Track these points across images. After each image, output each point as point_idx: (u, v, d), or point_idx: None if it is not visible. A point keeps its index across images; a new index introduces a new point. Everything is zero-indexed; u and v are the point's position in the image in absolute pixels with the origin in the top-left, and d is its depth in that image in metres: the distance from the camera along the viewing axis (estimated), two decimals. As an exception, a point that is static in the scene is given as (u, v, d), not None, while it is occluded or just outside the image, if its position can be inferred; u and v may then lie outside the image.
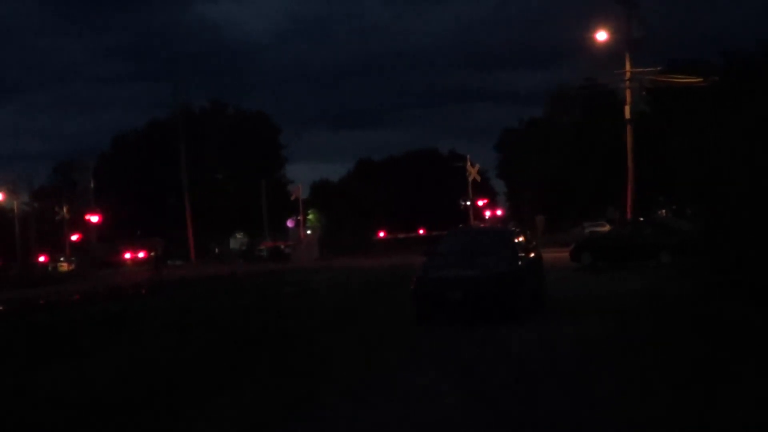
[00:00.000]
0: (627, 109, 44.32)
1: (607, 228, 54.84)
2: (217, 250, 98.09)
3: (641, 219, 44.86)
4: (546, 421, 8.27)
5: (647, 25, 45.59)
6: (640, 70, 44.23)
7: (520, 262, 17.13)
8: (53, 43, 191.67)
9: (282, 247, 78.20)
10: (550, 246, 46.42)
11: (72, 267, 75.97)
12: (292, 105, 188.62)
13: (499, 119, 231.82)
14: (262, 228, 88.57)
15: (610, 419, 8.19)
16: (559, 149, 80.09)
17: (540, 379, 10.32)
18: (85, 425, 8.90)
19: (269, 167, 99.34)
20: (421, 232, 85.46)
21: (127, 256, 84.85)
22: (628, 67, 43.80)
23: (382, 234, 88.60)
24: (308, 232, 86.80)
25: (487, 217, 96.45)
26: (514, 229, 21.58)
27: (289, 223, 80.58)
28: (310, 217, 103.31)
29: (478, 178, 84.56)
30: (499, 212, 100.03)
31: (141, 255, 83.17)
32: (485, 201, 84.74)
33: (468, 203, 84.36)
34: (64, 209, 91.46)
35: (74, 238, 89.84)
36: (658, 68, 46.13)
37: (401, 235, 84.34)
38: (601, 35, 44.54)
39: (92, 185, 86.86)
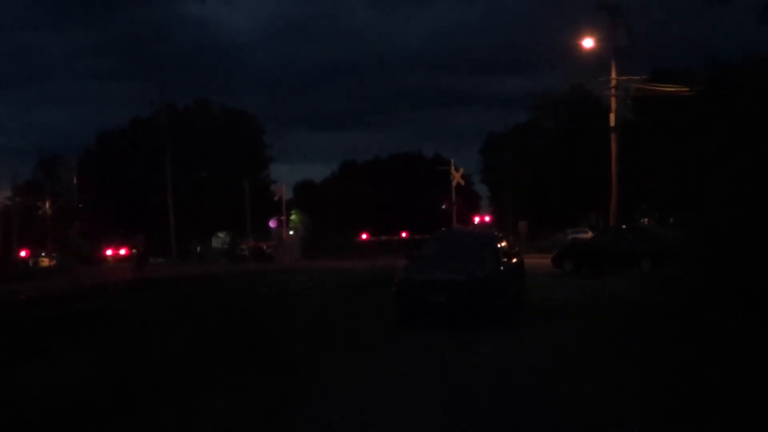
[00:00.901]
0: (612, 117, 44.41)
1: (589, 234, 55.09)
2: (199, 249, 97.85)
3: (623, 226, 45.04)
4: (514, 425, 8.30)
5: (633, 33, 45.75)
6: (626, 78, 44.36)
7: (502, 267, 17.19)
8: (38, 39, 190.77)
9: (264, 247, 78.08)
10: (532, 251, 46.52)
11: (53, 262, 75.59)
12: (276, 105, 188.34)
13: (484, 124, 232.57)
14: (245, 228, 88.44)
15: (583, 424, 8.22)
16: (543, 155, 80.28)
17: (515, 384, 10.33)
18: (59, 426, 8.83)
19: (253, 167, 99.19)
20: (403, 235, 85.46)
21: (109, 252, 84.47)
22: (613, 74, 43.94)
23: (364, 236, 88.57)
24: (291, 232, 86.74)
25: (476, 223, 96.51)
26: (496, 233, 21.63)
27: (272, 224, 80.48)
28: (293, 217, 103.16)
29: (462, 182, 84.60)
30: (487, 218, 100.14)
31: (123, 252, 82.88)
32: (459, 206, 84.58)
33: (453, 207, 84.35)
34: (47, 204, 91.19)
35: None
36: (644, 77, 46.30)
37: (384, 238, 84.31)
38: (588, 42, 44.67)
39: (75, 181, 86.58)
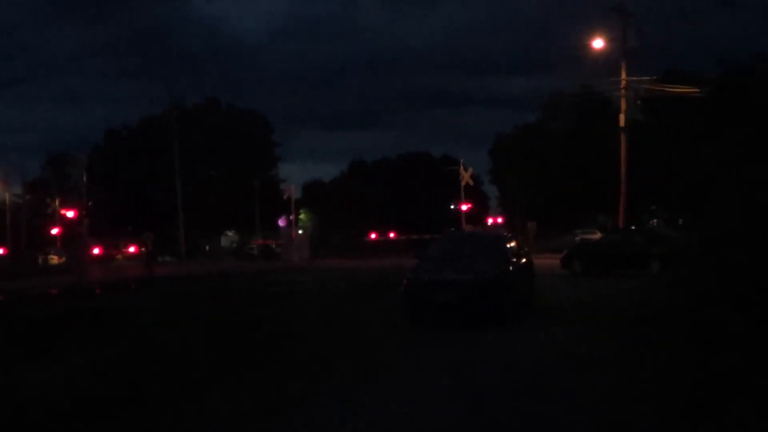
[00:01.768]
0: (622, 118, 44.32)
1: (598, 235, 54.91)
2: (207, 248, 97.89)
3: (633, 227, 44.92)
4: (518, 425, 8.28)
5: (643, 34, 45.65)
6: (636, 78, 44.27)
7: (510, 267, 17.16)
8: (48, 37, 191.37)
9: (273, 246, 78.07)
10: (541, 252, 46.43)
11: (62, 260, 75.70)
12: (285, 104, 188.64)
13: (493, 124, 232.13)
14: (254, 226, 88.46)
15: (593, 424, 8.19)
16: (552, 156, 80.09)
17: (523, 384, 10.30)
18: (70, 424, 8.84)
19: (262, 166, 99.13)
20: (414, 237, 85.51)
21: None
22: (623, 75, 43.84)
23: (373, 236, 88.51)
24: (299, 231, 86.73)
25: (489, 224, 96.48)
26: (505, 234, 21.60)
27: (281, 223, 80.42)
28: (302, 217, 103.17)
29: (471, 183, 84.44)
30: (500, 219, 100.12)
31: (131, 250, 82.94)
32: (469, 206, 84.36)
33: (462, 207, 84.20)
34: (56, 202, 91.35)
35: (54, 231, 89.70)
36: (654, 77, 46.19)
37: (392, 236, 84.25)
38: (597, 43, 44.60)
39: (85, 179, 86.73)
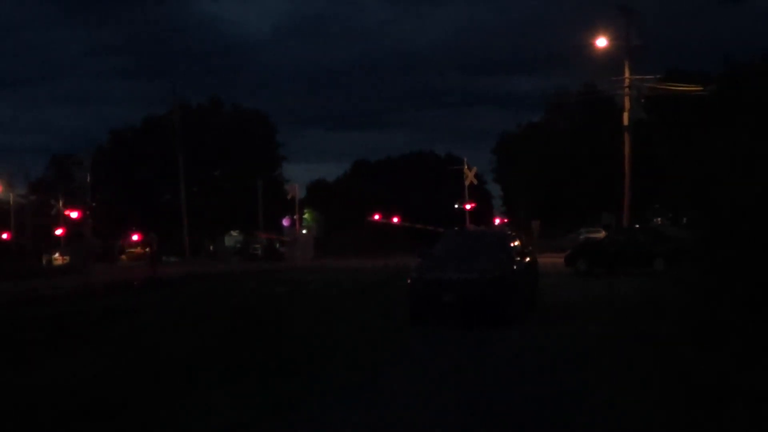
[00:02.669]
0: (625, 116, 44.29)
1: (602, 234, 54.88)
2: (211, 248, 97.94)
3: (637, 226, 44.94)
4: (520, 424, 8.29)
5: (646, 33, 45.66)
6: (639, 77, 44.24)
7: (515, 266, 17.16)
8: (52, 37, 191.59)
9: (277, 245, 78.15)
10: (545, 251, 46.49)
11: (66, 260, 75.83)
12: (289, 104, 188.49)
13: (497, 123, 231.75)
14: (258, 226, 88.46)
15: (597, 424, 8.20)
16: (556, 154, 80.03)
17: (527, 384, 10.31)
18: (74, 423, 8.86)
19: (266, 166, 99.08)
20: (419, 227, 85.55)
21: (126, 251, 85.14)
22: (626, 74, 43.81)
23: (377, 216, 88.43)
24: (304, 231, 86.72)
25: (496, 224, 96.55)
26: (509, 233, 21.60)
27: (285, 222, 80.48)
28: (306, 216, 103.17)
29: (475, 182, 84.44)
30: (507, 219, 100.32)
31: (135, 238, 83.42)
32: (473, 205, 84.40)
33: (467, 207, 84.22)
34: (60, 203, 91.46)
35: (59, 232, 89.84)
36: (657, 76, 46.18)
37: (395, 220, 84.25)
38: (601, 42, 44.56)
39: (89, 180, 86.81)
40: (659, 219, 76.04)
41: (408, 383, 10.48)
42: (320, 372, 11.29)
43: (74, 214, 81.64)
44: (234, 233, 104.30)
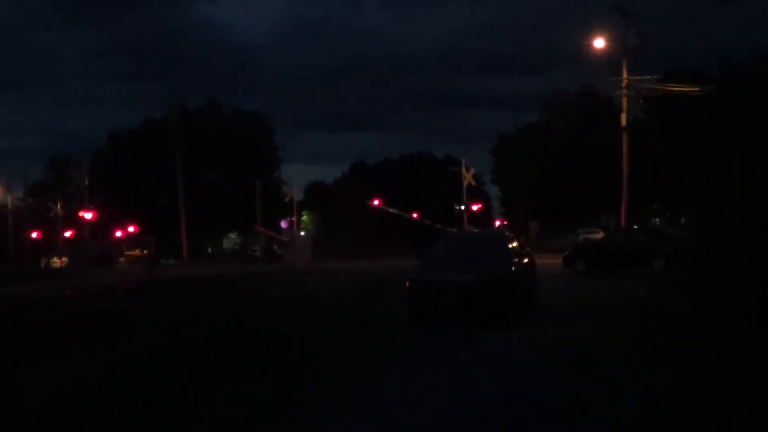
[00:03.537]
0: (623, 117, 44.32)
1: (601, 235, 54.88)
2: (210, 250, 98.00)
3: (635, 227, 44.91)
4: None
5: (644, 34, 45.65)
6: (637, 78, 44.23)
7: (513, 268, 17.12)
8: (50, 40, 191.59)
9: (275, 247, 78.14)
10: (544, 252, 46.40)
11: (65, 263, 75.90)
12: (287, 106, 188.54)
13: (495, 124, 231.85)
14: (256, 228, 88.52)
15: (595, 426, 8.18)
16: (554, 155, 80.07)
17: (526, 386, 10.28)
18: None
19: (264, 168, 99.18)
20: (415, 215, 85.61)
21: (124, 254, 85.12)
22: (624, 74, 43.81)
23: (376, 202, 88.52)
24: (302, 233, 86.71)
25: (497, 225, 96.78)
26: (507, 234, 21.58)
27: (283, 224, 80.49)
28: (304, 218, 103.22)
29: (473, 183, 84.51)
30: (505, 221, 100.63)
31: (131, 230, 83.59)
32: (480, 206, 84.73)
33: (462, 207, 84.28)
34: (58, 206, 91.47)
35: (68, 234, 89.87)
36: (655, 77, 46.17)
37: (393, 210, 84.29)
38: (599, 42, 44.54)
39: (87, 183, 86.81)
40: (657, 219, 76.05)
41: (406, 386, 10.43)
42: (318, 375, 11.27)
43: (88, 215, 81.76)
44: (232, 235, 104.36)
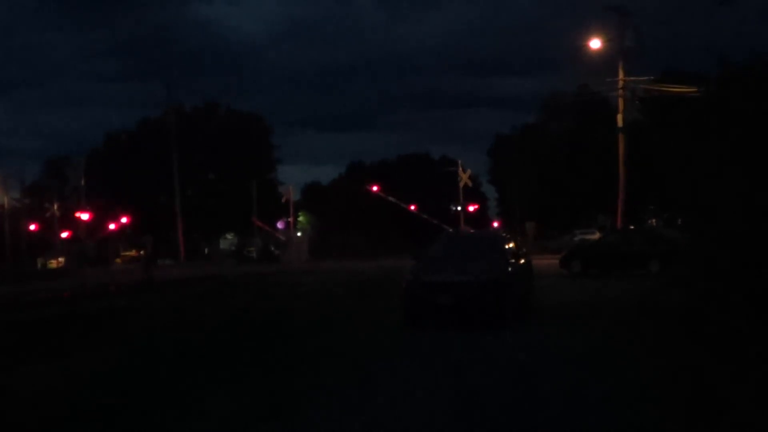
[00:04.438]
0: (620, 118, 44.36)
1: (597, 236, 54.94)
2: (206, 251, 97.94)
3: (631, 227, 44.94)
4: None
5: (640, 34, 45.66)
6: (633, 78, 44.29)
7: (510, 268, 17.15)
8: (47, 40, 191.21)
9: (272, 247, 78.21)
10: (540, 253, 46.46)
11: (61, 264, 75.84)
12: (284, 107, 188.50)
13: (491, 125, 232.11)
14: (252, 229, 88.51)
15: (592, 426, 8.19)
16: (551, 156, 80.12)
17: (522, 386, 10.29)
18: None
19: (260, 168, 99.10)
20: (412, 208, 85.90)
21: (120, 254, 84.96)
22: (621, 75, 43.86)
23: (375, 188, 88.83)
24: (298, 233, 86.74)
25: (495, 226, 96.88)
26: (503, 235, 21.59)
27: (280, 225, 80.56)
28: (301, 219, 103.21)
29: (470, 184, 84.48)
30: (501, 221, 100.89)
31: (124, 221, 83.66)
32: (476, 206, 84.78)
33: (459, 208, 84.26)
34: (55, 206, 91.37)
35: (64, 235, 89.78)
36: (652, 77, 46.21)
37: (392, 199, 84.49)
38: (595, 43, 44.58)
39: (83, 183, 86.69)
40: (654, 220, 76.07)
41: (402, 386, 10.45)
42: (314, 375, 11.27)
43: (85, 216, 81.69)
44: (229, 236, 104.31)
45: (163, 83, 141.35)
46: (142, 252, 66.65)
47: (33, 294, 33.56)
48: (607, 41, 44.41)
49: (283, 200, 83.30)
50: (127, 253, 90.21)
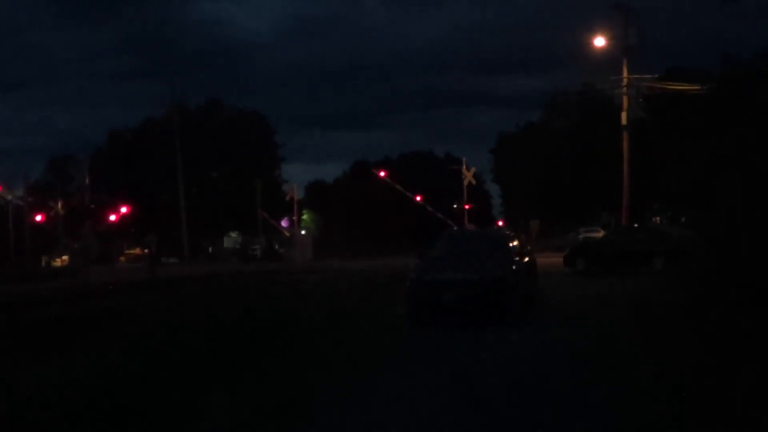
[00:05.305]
0: (624, 116, 44.24)
1: (601, 234, 54.87)
2: (210, 249, 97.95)
3: (635, 225, 44.89)
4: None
5: (644, 32, 45.56)
6: (637, 76, 44.18)
7: (514, 266, 17.13)
8: (51, 39, 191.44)
9: (276, 246, 78.24)
10: (544, 251, 46.41)
11: (65, 262, 75.81)
12: (288, 105, 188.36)
13: (495, 123, 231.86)
14: (257, 227, 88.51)
15: (596, 424, 8.17)
16: (555, 154, 79.98)
17: (526, 385, 10.28)
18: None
19: (264, 167, 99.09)
20: (418, 198, 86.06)
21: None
22: (625, 73, 43.75)
23: (382, 174, 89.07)
24: (302, 232, 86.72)
25: (500, 225, 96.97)
26: (508, 233, 21.59)
27: (284, 223, 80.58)
28: (305, 217, 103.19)
29: (474, 182, 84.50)
30: (506, 220, 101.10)
31: (123, 210, 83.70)
32: (480, 205, 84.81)
33: (463, 206, 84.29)
34: (59, 204, 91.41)
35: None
36: (656, 75, 46.14)
37: (398, 187, 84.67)
38: (599, 41, 44.48)
39: (87, 181, 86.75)
40: (658, 218, 76.01)
41: (406, 385, 10.45)
42: (318, 375, 11.26)
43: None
44: (233, 234, 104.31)
45: (167, 82, 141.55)
46: (146, 251, 66.72)
47: (37, 293, 33.57)
48: (611, 39, 44.31)
49: (288, 198, 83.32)
50: (131, 251, 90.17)
